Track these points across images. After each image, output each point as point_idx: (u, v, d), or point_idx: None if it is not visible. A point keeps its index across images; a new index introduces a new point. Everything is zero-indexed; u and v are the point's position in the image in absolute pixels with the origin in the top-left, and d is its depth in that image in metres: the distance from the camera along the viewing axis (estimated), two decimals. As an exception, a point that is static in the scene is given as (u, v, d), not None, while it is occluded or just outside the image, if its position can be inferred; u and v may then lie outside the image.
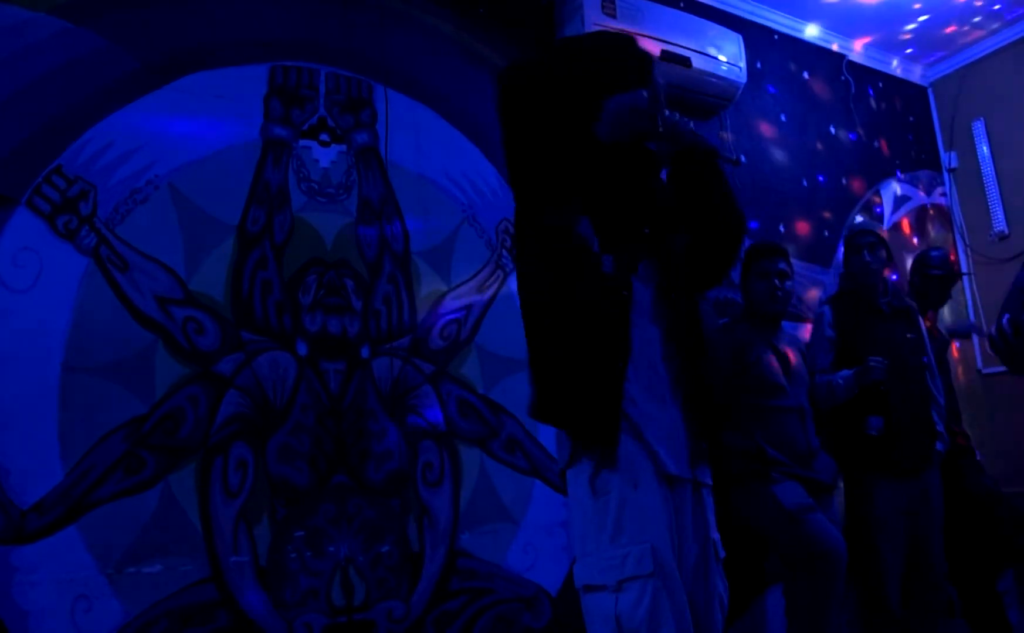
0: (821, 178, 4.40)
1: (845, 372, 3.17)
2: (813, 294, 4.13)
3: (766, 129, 4.24)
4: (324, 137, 2.84)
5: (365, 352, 2.74)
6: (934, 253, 4.01)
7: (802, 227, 4.21)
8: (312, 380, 2.62)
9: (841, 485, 3.37)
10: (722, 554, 1.81)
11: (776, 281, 3.16)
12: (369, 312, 2.78)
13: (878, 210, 4.68)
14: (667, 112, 1.76)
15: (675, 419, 1.76)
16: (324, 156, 2.83)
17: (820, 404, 3.22)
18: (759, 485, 2.92)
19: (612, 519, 1.62)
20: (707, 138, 1.83)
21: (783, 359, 3.13)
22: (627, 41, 1.89)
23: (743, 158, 1.88)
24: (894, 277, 4.35)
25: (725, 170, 1.84)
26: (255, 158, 2.69)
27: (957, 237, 5.08)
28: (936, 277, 3.91)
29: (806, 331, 3.74)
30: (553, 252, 1.74)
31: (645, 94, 1.72)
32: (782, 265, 3.19)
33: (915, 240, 4.84)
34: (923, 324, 3.47)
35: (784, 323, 3.32)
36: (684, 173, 1.82)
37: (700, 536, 1.76)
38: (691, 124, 1.80)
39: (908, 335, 3.36)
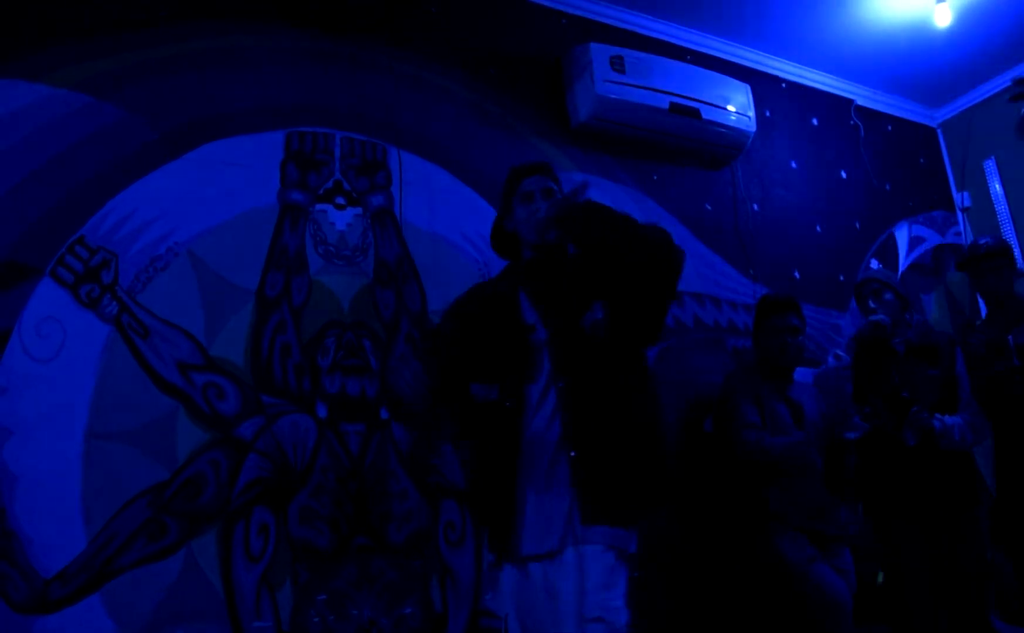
0: (834, 223, 4.40)
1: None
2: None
3: (777, 177, 4.25)
4: (340, 200, 2.88)
5: (384, 413, 2.75)
6: (982, 241, 3.75)
7: (816, 272, 4.20)
8: (332, 442, 2.63)
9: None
10: None
11: (788, 337, 3.16)
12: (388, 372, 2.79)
13: (892, 252, 4.67)
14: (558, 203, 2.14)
15: None
16: (340, 219, 2.86)
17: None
18: (763, 537, 2.90)
19: None
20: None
21: (795, 409, 3.11)
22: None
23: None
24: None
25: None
26: (272, 223, 2.73)
27: (974, 276, 5.05)
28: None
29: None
30: None
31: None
32: (794, 320, 3.19)
33: (932, 281, 4.82)
34: (960, 356, 3.37)
35: (800, 370, 3.31)
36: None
37: None
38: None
39: (929, 372, 3.32)
